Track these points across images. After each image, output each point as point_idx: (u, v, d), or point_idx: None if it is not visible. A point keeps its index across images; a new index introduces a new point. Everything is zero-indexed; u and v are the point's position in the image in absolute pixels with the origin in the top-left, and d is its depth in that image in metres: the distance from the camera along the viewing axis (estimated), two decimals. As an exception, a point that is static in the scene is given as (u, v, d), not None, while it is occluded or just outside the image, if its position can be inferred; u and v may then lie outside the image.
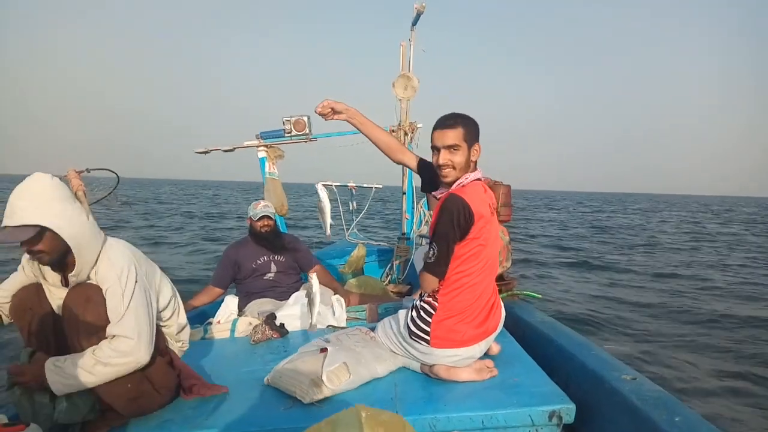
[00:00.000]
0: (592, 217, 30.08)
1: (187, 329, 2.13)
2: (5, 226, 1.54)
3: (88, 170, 3.07)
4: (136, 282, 1.72)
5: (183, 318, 2.09)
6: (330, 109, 2.22)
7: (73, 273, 1.67)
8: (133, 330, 1.64)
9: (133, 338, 1.63)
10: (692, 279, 8.95)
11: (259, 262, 3.52)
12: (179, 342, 2.06)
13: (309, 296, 2.65)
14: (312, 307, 2.65)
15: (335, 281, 3.88)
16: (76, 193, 3.05)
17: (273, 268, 3.54)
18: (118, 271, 1.69)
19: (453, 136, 2.00)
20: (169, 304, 1.98)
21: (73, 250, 1.63)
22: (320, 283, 3.87)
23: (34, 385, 1.60)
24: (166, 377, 1.86)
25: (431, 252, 1.98)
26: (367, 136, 2.33)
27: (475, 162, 2.07)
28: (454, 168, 2.02)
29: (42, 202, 1.58)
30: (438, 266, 1.98)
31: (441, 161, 2.03)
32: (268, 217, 3.54)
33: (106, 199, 3.23)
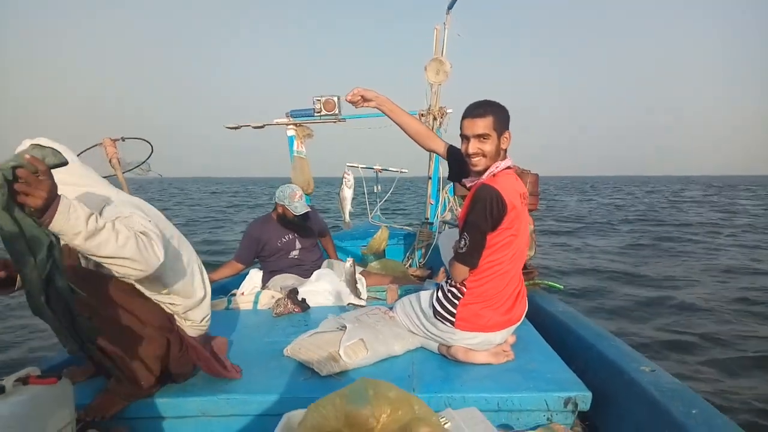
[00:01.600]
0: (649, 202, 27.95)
1: (206, 306, 1.95)
2: None
3: (123, 139, 3.16)
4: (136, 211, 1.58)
5: (200, 293, 1.90)
6: (360, 97, 2.23)
7: None
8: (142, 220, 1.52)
9: (148, 223, 1.51)
10: None
11: (284, 240, 3.56)
12: (189, 321, 1.88)
13: (347, 279, 2.64)
14: (352, 288, 2.63)
15: (335, 255, 4.04)
16: (110, 161, 3.14)
17: (297, 245, 3.58)
18: (116, 210, 1.58)
19: (483, 125, 1.98)
20: (183, 269, 1.81)
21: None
22: (328, 250, 3.95)
23: None
24: (181, 358, 1.82)
25: (463, 242, 1.97)
26: (396, 123, 2.33)
27: (505, 150, 2.06)
28: (484, 156, 2.01)
29: None
30: (470, 256, 1.97)
31: (471, 150, 2.02)
32: (307, 216, 3.53)
33: (139, 167, 3.32)
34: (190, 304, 1.85)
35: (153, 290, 1.74)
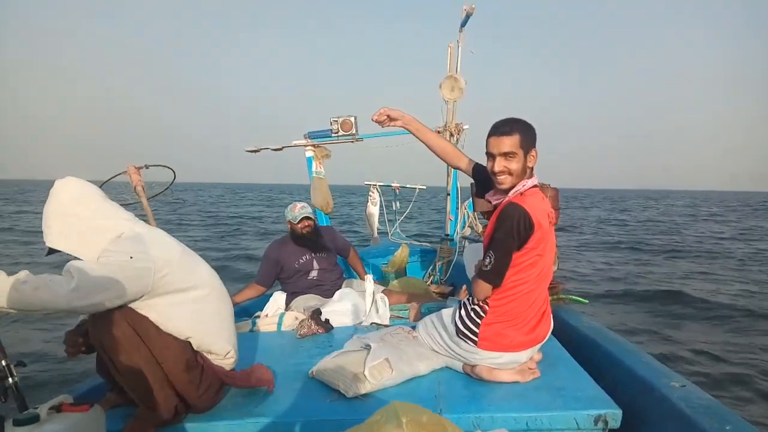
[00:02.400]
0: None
1: (222, 340, 1.91)
2: None
3: (146, 166, 3.24)
4: (125, 257, 1.64)
5: (224, 345, 1.90)
6: (386, 117, 2.26)
7: None
8: (82, 272, 1.58)
9: (74, 278, 1.56)
10: None
11: (301, 261, 3.59)
12: (212, 355, 1.87)
13: (369, 297, 2.66)
14: (370, 307, 2.65)
15: (362, 267, 4.04)
16: (135, 188, 3.22)
17: (315, 265, 3.61)
18: (112, 248, 1.67)
19: (509, 143, 1.97)
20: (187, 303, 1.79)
21: (76, 256, 1.68)
22: (355, 266, 3.97)
23: None
24: (204, 394, 1.83)
25: (488, 260, 1.95)
26: (423, 143, 2.35)
27: (532, 168, 2.04)
28: (510, 174, 1.99)
29: (47, 223, 1.67)
30: (495, 275, 1.95)
31: (497, 168, 2.00)
32: (308, 218, 3.58)
33: (162, 194, 3.39)
34: (206, 344, 1.86)
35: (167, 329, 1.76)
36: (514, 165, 1.98)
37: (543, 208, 1.97)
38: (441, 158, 2.37)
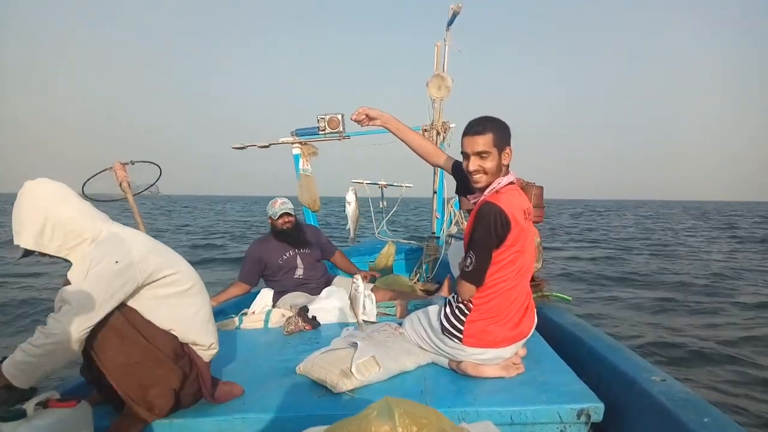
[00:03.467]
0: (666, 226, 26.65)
1: (205, 333, 1.91)
2: None
3: (132, 162, 3.22)
4: (112, 264, 1.63)
5: (209, 339, 1.92)
6: (365, 116, 2.27)
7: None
8: (79, 295, 1.57)
9: (73, 304, 1.55)
10: None
11: (285, 257, 3.61)
12: (197, 346, 1.89)
13: (352, 296, 2.67)
14: (355, 307, 2.66)
15: (353, 265, 4.04)
16: (120, 184, 3.20)
17: (299, 262, 3.63)
18: (96, 256, 1.65)
19: (482, 142, 1.99)
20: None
21: (57, 255, 1.68)
22: (342, 266, 3.98)
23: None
24: (191, 384, 1.84)
25: (468, 261, 1.97)
26: (402, 141, 2.36)
27: (507, 165, 2.06)
28: (485, 173, 2.02)
29: (21, 224, 1.64)
30: (476, 274, 1.97)
31: (471, 168, 2.03)
32: (288, 214, 3.60)
33: (148, 190, 3.37)
34: (191, 336, 1.87)
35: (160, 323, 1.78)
36: (489, 164, 2.00)
37: (519, 205, 1.99)
38: (421, 156, 2.39)
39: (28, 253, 1.68)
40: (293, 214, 3.64)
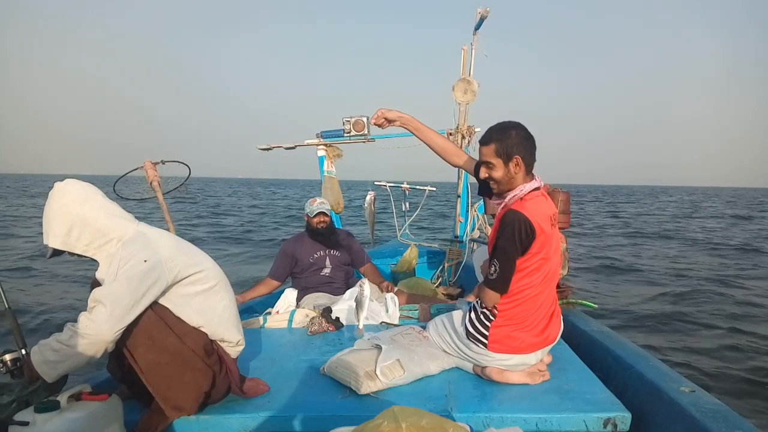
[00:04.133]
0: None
1: (232, 329, 1.95)
2: None
3: (163, 162, 3.29)
4: (141, 263, 1.66)
5: (236, 336, 1.95)
6: (384, 119, 2.28)
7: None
8: (112, 296, 1.60)
9: (107, 305, 1.57)
10: None
11: (315, 256, 3.65)
12: (224, 342, 1.92)
13: (358, 300, 2.71)
14: (359, 311, 2.71)
15: (383, 279, 3.99)
16: (151, 183, 3.26)
17: (328, 263, 3.67)
18: (124, 255, 1.68)
19: (486, 152, 1.99)
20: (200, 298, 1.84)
21: (85, 255, 1.71)
22: (370, 277, 4.00)
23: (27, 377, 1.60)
24: (221, 382, 1.87)
25: (493, 268, 1.96)
26: (423, 141, 2.36)
27: (525, 172, 2.00)
28: (495, 182, 2.02)
29: (49, 224, 1.68)
30: (500, 282, 1.96)
31: (481, 176, 2.05)
32: (324, 214, 3.66)
33: (177, 190, 3.43)
34: (219, 333, 1.90)
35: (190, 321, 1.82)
36: (495, 173, 2.00)
37: (544, 212, 1.96)
38: (441, 156, 2.37)
39: (57, 252, 1.71)
40: (329, 214, 3.70)
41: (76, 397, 1.61)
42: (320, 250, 3.69)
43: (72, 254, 1.71)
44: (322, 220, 3.65)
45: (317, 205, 3.67)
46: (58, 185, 1.72)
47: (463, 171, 4.95)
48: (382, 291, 3.55)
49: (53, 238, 1.67)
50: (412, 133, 2.36)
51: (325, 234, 3.66)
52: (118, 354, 1.73)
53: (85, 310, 1.61)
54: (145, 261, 1.67)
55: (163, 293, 1.75)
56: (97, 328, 1.55)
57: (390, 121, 2.30)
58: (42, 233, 1.70)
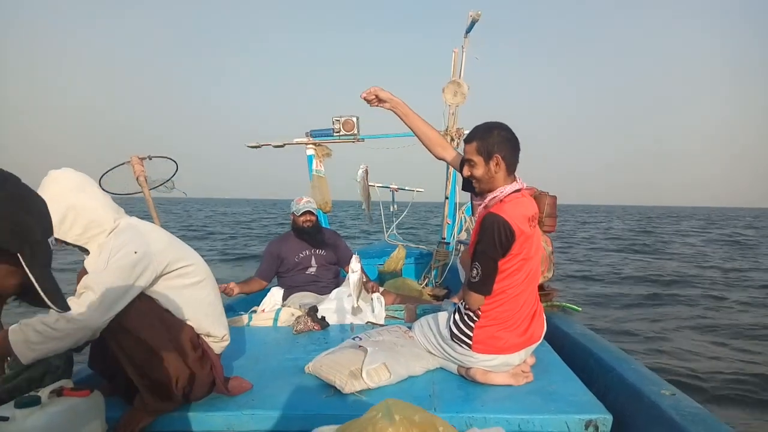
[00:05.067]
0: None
1: (218, 324, 1.96)
2: None
3: (150, 157, 3.26)
4: (131, 254, 1.66)
5: (221, 330, 1.96)
6: (375, 96, 2.26)
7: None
8: (101, 285, 1.58)
9: (96, 293, 1.57)
10: None
11: (301, 255, 3.66)
12: (210, 338, 1.93)
13: (349, 278, 2.63)
14: (353, 289, 2.62)
15: (368, 279, 4.00)
16: (137, 178, 3.24)
17: (314, 262, 3.67)
18: (115, 245, 1.68)
19: (469, 150, 2.01)
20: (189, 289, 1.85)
21: (76, 244, 1.70)
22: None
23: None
24: (201, 369, 1.85)
25: (474, 272, 1.98)
26: (409, 127, 2.34)
27: (506, 172, 2.01)
28: (477, 180, 2.04)
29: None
30: (483, 285, 1.98)
31: (464, 174, 2.08)
32: (311, 213, 3.65)
33: (164, 185, 3.41)
34: (205, 327, 1.90)
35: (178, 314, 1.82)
36: (476, 171, 2.02)
37: (522, 213, 1.97)
38: (426, 146, 2.36)
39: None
40: (315, 213, 3.69)
41: (58, 393, 1.59)
42: (306, 249, 3.69)
43: (61, 242, 1.69)
44: (308, 219, 3.65)
45: (303, 203, 3.67)
46: (53, 173, 1.69)
47: (452, 173, 5.00)
48: (368, 291, 3.55)
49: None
50: (400, 118, 2.33)
51: (310, 233, 3.66)
52: (103, 346, 1.72)
53: (73, 295, 1.59)
54: (135, 252, 1.66)
55: (152, 284, 1.74)
56: (86, 313, 1.54)
57: (381, 101, 2.27)
58: None
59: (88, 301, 1.55)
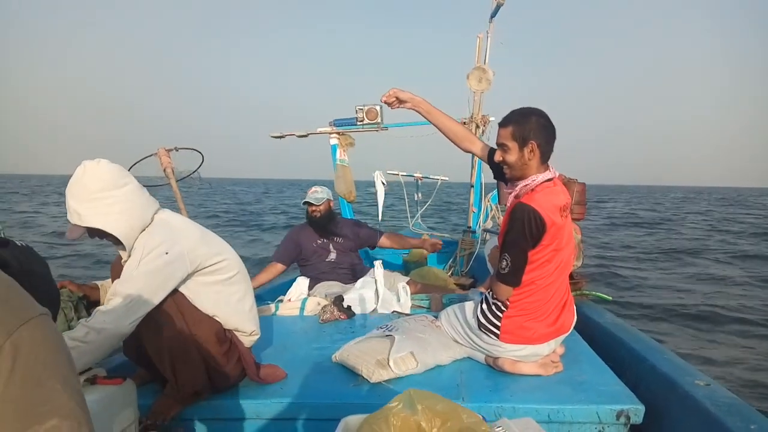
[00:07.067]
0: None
1: (247, 320, 1.96)
2: (69, 222, 1.67)
3: (176, 149, 3.30)
4: (162, 256, 1.67)
5: (250, 326, 1.96)
6: (395, 98, 2.25)
7: (124, 253, 1.75)
8: (130, 290, 1.60)
9: (125, 300, 1.59)
10: None
11: (318, 242, 3.72)
12: (239, 332, 1.93)
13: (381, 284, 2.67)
14: (381, 291, 2.66)
15: (406, 239, 4.12)
16: (164, 170, 3.28)
17: (332, 248, 3.74)
18: (147, 245, 1.68)
19: (503, 134, 1.97)
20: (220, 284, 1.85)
21: (116, 236, 1.68)
22: (394, 245, 4.01)
23: None
24: (233, 368, 1.88)
25: (504, 263, 1.95)
26: (434, 124, 2.32)
27: (540, 161, 1.98)
28: (508, 166, 2.00)
29: (83, 202, 1.63)
30: (512, 276, 1.95)
31: (496, 159, 2.03)
32: (312, 204, 3.67)
33: (190, 177, 3.45)
34: (233, 323, 1.90)
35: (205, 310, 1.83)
36: (509, 157, 1.97)
37: (554, 203, 1.93)
38: (452, 141, 2.33)
39: (88, 233, 1.69)
40: (318, 204, 3.67)
41: (91, 381, 1.62)
42: (323, 237, 3.74)
43: (99, 235, 1.70)
44: (313, 209, 3.68)
45: (309, 195, 3.70)
46: (89, 163, 1.66)
47: (477, 161, 4.94)
48: (426, 248, 3.60)
49: (91, 218, 1.63)
50: (422, 116, 2.31)
51: (320, 223, 3.69)
52: (137, 336, 1.74)
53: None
54: (167, 253, 1.67)
55: (183, 282, 1.75)
56: (115, 321, 1.57)
57: (401, 102, 2.26)
58: (66, 213, 1.66)
59: (117, 309, 1.58)
